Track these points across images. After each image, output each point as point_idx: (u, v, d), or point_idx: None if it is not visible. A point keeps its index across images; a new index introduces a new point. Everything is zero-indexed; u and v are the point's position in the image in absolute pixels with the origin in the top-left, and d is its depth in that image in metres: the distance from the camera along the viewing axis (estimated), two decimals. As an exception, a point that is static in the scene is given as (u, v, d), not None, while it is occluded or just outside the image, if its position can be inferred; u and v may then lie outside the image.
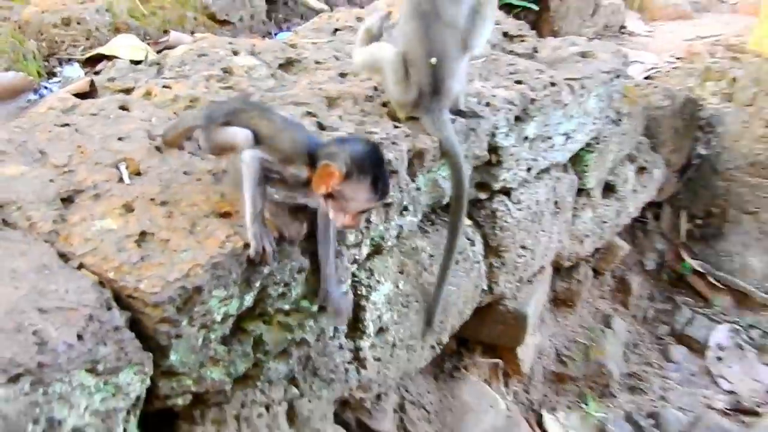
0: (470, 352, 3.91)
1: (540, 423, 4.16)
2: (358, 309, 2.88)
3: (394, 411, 3.57)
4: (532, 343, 4.12)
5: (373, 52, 3.00)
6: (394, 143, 2.85)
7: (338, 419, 3.17)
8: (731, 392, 4.65)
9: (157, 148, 2.61)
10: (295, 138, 2.32)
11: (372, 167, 2.18)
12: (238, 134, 2.32)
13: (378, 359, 3.01)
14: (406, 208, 2.92)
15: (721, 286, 5.13)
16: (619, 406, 4.43)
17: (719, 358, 4.83)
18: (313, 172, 2.20)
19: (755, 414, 4.42)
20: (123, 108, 2.83)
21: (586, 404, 4.31)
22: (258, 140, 2.31)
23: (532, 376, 4.26)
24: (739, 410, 4.46)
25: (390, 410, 3.46)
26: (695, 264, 5.13)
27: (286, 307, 2.40)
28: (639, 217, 5.13)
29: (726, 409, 4.45)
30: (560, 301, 4.45)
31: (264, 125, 2.34)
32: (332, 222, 2.32)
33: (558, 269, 4.33)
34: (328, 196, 2.21)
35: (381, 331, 2.99)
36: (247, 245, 2.23)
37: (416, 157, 2.93)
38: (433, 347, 3.34)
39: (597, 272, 4.71)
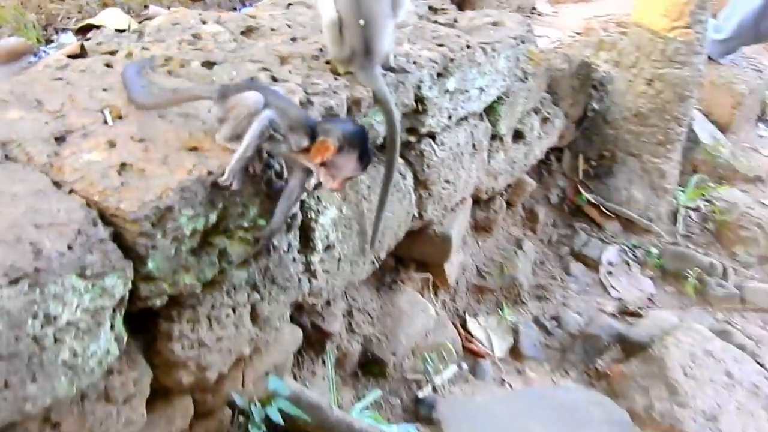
0: (406, 268, 3.92)
1: (464, 325, 4.18)
2: (308, 229, 2.87)
3: (342, 316, 3.57)
4: (456, 260, 4.12)
5: (319, 14, 2.99)
6: (335, 92, 2.84)
7: (295, 322, 3.17)
8: (619, 299, 4.69)
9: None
10: (299, 111, 2.40)
11: (359, 144, 2.32)
12: (251, 96, 2.33)
13: (326, 271, 3.01)
14: (346, 146, 2.90)
15: (611, 215, 5.16)
16: (528, 311, 4.45)
17: (609, 273, 4.86)
18: (312, 143, 2.30)
19: (638, 315, 4.46)
20: (108, 65, 2.80)
21: (502, 310, 4.33)
22: (267, 105, 2.32)
23: (457, 288, 4.27)
24: (625, 312, 4.50)
25: (339, 315, 3.47)
26: (590, 197, 5.15)
27: (245, 224, 2.39)
28: (544, 160, 5.14)
29: (614, 312, 4.48)
30: (480, 228, 4.45)
31: (272, 97, 2.36)
32: (298, 187, 2.43)
33: (477, 201, 4.33)
34: (321, 164, 2.31)
35: (328, 248, 2.99)
36: (211, 173, 2.22)
37: (354, 104, 2.91)
38: (372, 262, 3.34)
39: (510, 204, 4.71)
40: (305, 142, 2.32)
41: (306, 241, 2.88)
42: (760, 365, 4.12)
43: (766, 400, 3.90)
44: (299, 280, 2.84)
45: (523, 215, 4.93)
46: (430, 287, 4.02)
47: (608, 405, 2.54)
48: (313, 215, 2.86)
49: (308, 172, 2.44)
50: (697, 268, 4.89)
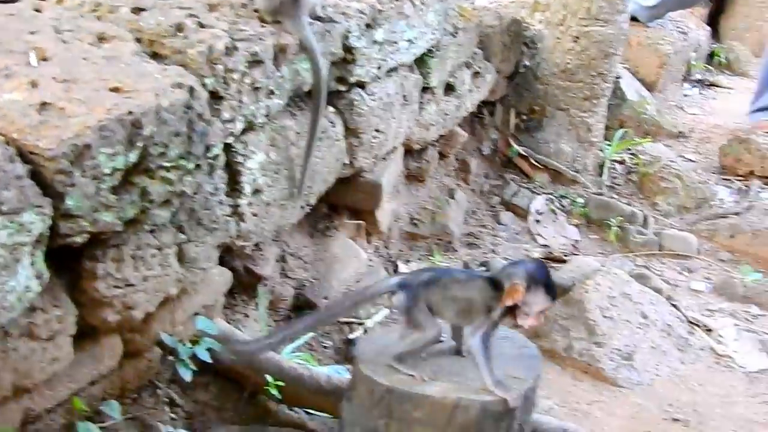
0: (339, 215, 3.87)
1: (396, 271, 4.16)
2: (236, 173, 2.82)
3: (276, 260, 3.52)
4: (388, 208, 4.09)
5: None
6: (261, 39, 2.79)
7: (226, 265, 3.12)
8: (545, 246, 4.69)
9: (63, 41, 2.50)
10: (475, 287, 2.38)
11: (544, 278, 2.34)
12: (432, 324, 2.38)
13: (255, 215, 2.96)
14: (272, 92, 2.85)
15: (540, 166, 5.17)
16: (458, 257, 4.44)
17: (537, 221, 4.87)
18: (500, 296, 2.32)
19: (563, 261, 4.46)
20: (37, 10, 2.70)
21: (433, 256, 4.31)
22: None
23: (390, 235, 4.24)
24: (550, 258, 4.50)
25: (272, 259, 3.42)
26: (521, 149, 5.15)
27: (167, 164, 2.32)
28: (477, 113, 5.11)
29: (541, 257, 4.48)
30: (413, 177, 4.42)
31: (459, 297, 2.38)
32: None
33: (410, 151, 4.29)
34: (514, 306, 2.32)
35: (256, 192, 2.94)
36: (131, 113, 2.17)
37: (280, 51, 2.86)
38: (302, 207, 3.29)
39: (443, 155, 4.68)
40: (498, 304, 2.35)
41: (233, 185, 2.82)
42: (675, 307, 4.15)
43: (678, 339, 3.94)
44: (226, 222, 2.78)
45: (456, 166, 4.91)
46: (363, 234, 3.97)
47: (518, 339, 2.53)
48: (240, 159, 2.80)
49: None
50: (620, 217, 4.91)
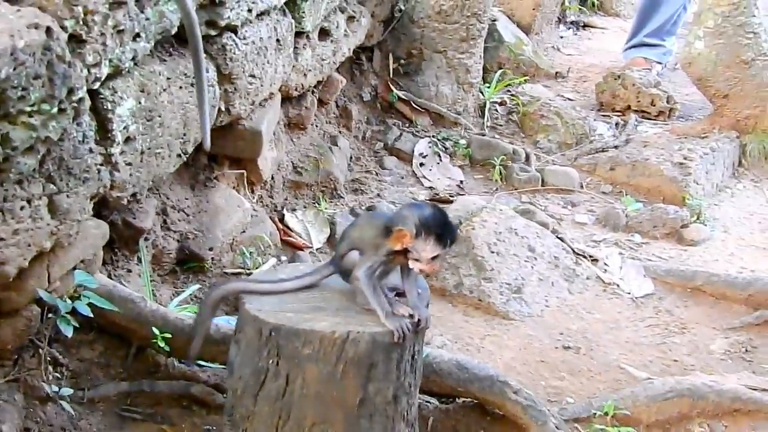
0: (220, 166, 3.79)
1: (282, 220, 4.10)
2: (105, 121, 2.71)
3: (156, 213, 3.43)
4: (270, 156, 4.02)
5: None
6: (124, -21, 2.66)
7: (106, 219, 3.02)
8: (431, 188, 4.70)
9: None
10: (376, 226, 2.37)
11: (436, 225, 2.27)
12: (351, 256, 2.39)
13: (129, 164, 2.86)
14: (138, 35, 2.74)
15: (421, 110, 5.18)
16: (344, 204, 4.42)
17: (421, 164, 4.88)
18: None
19: (449, 201, 4.48)
20: None
21: (319, 204, 4.27)
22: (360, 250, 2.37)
23: (274, 184, 4.18)
24: (436, 200, 4.51)
25: (152, 211, 3.32)
26: (401, 94, 5.14)
27: (28, 108, 2.21)
28: (356, 60, 5.08)
29: (426, 200, 4.49)
30: (293, 125, 4.36)
31: (357, 235, 2.42)
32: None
33: (288, 98, 4.23)
34: (405, 251, 2.28)
35: (129, 140, 2.83)
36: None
37: (145, -8, 2.75)
38: (179, 155, 3.20)
39: (322, 102, 4.63)
40: (387, 247, 2.31)
41: (104, 133, 2.71)
42: (561, 240, 4.21)
43: (565, 270, 4.01)
44: (99, 171, 2.68)
45: (337, 113, 4.87)
46: (245, 183, 3.91)
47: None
48: (108, 106, 2.70)
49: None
50: (503, 156, 4.95)
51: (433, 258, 2.31)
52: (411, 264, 2.32)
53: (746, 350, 3.58)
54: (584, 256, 4.13)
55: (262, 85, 3.66)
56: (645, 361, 3.47)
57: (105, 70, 2.61)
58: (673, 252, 4.35)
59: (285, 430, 2.35)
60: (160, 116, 2.97)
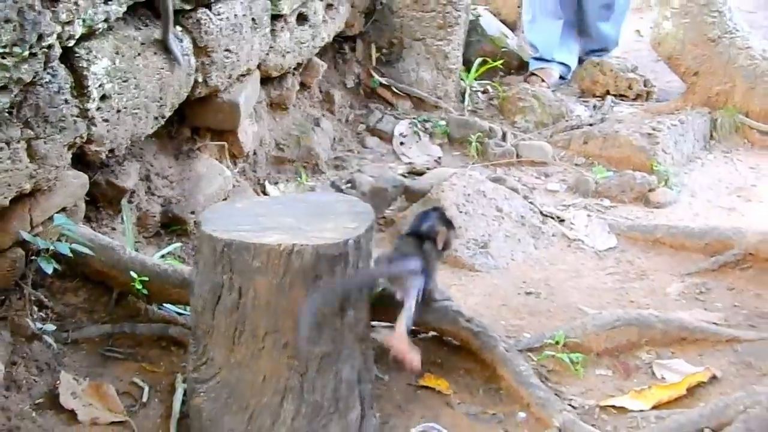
0: (202, 138, 4.01)
1: (264, 191, 4.30)
2: (81, 77, 2.93)
3: (141, 179, 3.65)
4: (250, 130, 4.23)
5: None
6: (92, -54, 2.89)
7: (91, 180, 3.23)
8: (409, 163, 4.90)
9: None
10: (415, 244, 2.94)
11: (449, 221, 3.06)
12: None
13: (106, 120, 3.08)
14: (109, -3, 2.97)
15: (402, 95, 5.40)
16: (325, 178, 4.61)
17: (402, 143, 5.07)
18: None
19: (423, 173, 4.67)
20: None
21: (300, 178, 4.47)
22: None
23: (257, 159, 4.39)
24: (413, 172, 4.70)
25: (134, 173, 3.53)
26: (383, 80, 5.35)
27: (0, 49, 2.43)
28: (339, 50, 5.31)
29: (404, 173, 4.68)
30: (275, 105, 4.58)
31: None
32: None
33: (270, 79, 4.44)
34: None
35: (105, 97, 3.05)
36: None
37: (113, -41, 2.97)
38: (156, 118, 3.41)
39: (305, 85, 4.85)
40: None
41: (80, 89, 2.93)
42: (530, 203, 4.38)
43: (531, 228, 4.18)
44: (75, 122, 2.89)
45: (320, 98, 5.09)
46: (227, 155, 4.11)
47: (353, 201, 2.72)
48: (84, 64, 2.92)
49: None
50: (479, 133, 5.14)
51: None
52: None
53: (701, 292, 3.72)
54: (551, 217, 4.29)
55: (238, 60, 3.87)
56: (603, 303, 3.61)
57: (79, 29, 2.83)
58: (640, 213, 4.50)
59: (241, 341, 2.53)
60: (135, 78, 3.19)
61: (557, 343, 3.20)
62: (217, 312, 2.54)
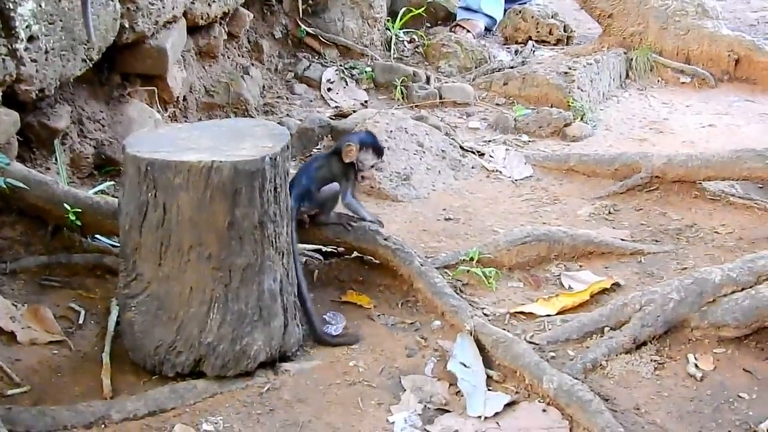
0: (132, 84, 4.12)
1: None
2: (8, 19, 3.05)
3: (73, 123, 3.77)
4: (179, 76, 4.36)
5: None
6: None
7: (23, 122, 3.36)
8: (337, 107, 5.07)
9: None
10: (333, 161, 3.26)
11: (371, 141, 3.29)
12: (328, 189, 3.21)
13: (34, 60, 3.19)
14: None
15: (329, 44, 5.56)
16: (256, 123, 4.76)
17: (329, 89, 5.24)
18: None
19: (349, 115, 4.84)
20: None
21: (231, 123, 4.61)
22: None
23: (187, 105, 4.53)
24: (339, 115, 4.88)
25: (65, 115, 3.63)
26: (310, 30, 5.49)
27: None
28: (266, 1, 5.44)
29: (331, 116, 4.85)
30: (204, 53, 4.69)
31: (324, 174, 3.24)
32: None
33: (197, 28, 4.56)
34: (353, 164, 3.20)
35: (32, 38, 3.16)
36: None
37: None
38: (84, 60, 3.54)
39: (233, 35, 4.97)
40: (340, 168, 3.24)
41: (8, 30, 3.05)
42: (452, 139, 4.58)
43: (451, 161, 4.38)
44: (3, 61, 3.02)
45: (249, 47, 5.22)
46: (157, 99, 4.24)
47: (271, 125, 2.88)
48: (10, 5, 3.03)
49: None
50: (404, 77, 5.32)
51: (372, 166, 3.32)
52: (360, 174, 3.27)
53: (609, 213, 3.95)
54: (471, 151, 4.49)
55: (163, 7, 4.00)
56: (517, 225, 3.80)
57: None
58: (557, 147, 4.71)
59: (168, 255, 2.69)
60: (62, 20, 3.32)
61: (471, 259, 3.41)
62: (144, 229, 2.68)
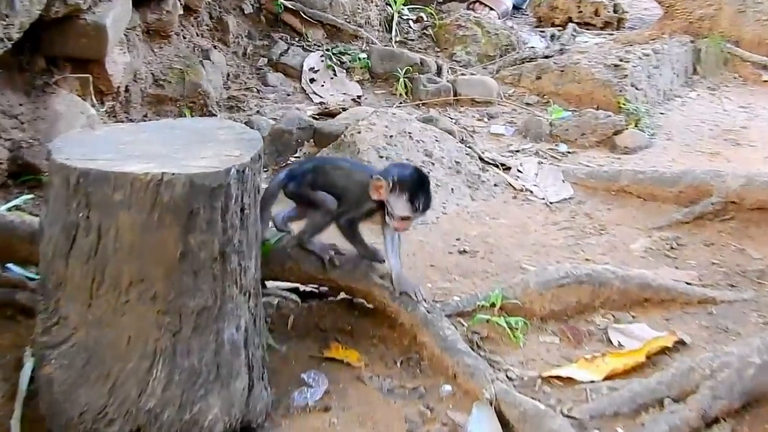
0: (60, 70, 4.08)
1: (139, 137, 4.40)
2: None
3: (-16, 120, 3.74)
4: (121, 60, 4.32)
5: None
6: None
7: None
8: (322, 103, 5.04)
9: None
10: (360, 180, 3.03)
11: (411, 186, 2.93)
12: (327, 199, 3.06)
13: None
14: None
15: (313, 22, 5.52)
16: (218, 121, 4.72)
17: (312, 80, 5.20)
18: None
19: (337, 114, 4.80)
20: None
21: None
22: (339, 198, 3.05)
23: (130, 98, 4.49)
24: (324, 113, 4.84)
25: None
26: (289, 4, 5.45)
27: None
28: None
29: (314, 115, 4.81)
30: (154, 32, 4.67)
31: (341, 184, 3.08)
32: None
33: (147, 0, 4.53)
34: (383, 204, 2.97)
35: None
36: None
37: None
38: (2, 40, 3.50)
39: (191, 9, 4.94)
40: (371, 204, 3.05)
41: None
42: (470, 147, 4.55)
43: (468, 176, 4.38)
44: None
45: (211, 25, 5.19)
46: (92, 90, 4.20)
47: (239, 128, 2.84)
48: None
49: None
50: (408, 67, 5.29)
51: (403, 218, 2.97)
52: (387, 220, 3.01)
53: (671, 248, 3.90)
54: (494, 164, 4.45)
55: (103, -30, 3.98)
56: (552, 262, 3.76)
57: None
58: (604, 160, 4.68)
59: (101, 294, 2.60)
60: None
61: (493, 305, 3.34)
62: (72, 258, 2.61)
